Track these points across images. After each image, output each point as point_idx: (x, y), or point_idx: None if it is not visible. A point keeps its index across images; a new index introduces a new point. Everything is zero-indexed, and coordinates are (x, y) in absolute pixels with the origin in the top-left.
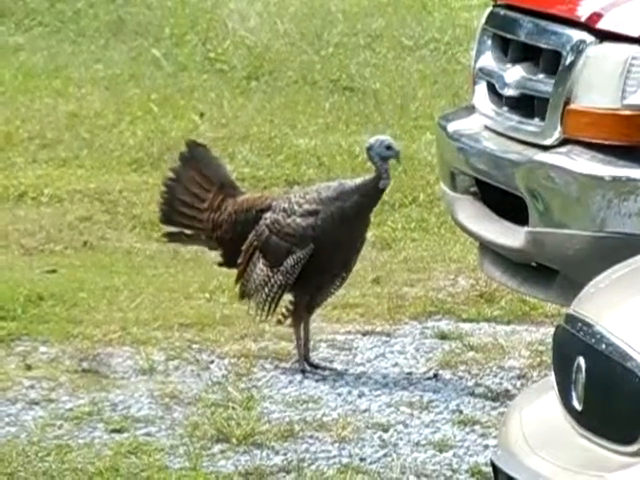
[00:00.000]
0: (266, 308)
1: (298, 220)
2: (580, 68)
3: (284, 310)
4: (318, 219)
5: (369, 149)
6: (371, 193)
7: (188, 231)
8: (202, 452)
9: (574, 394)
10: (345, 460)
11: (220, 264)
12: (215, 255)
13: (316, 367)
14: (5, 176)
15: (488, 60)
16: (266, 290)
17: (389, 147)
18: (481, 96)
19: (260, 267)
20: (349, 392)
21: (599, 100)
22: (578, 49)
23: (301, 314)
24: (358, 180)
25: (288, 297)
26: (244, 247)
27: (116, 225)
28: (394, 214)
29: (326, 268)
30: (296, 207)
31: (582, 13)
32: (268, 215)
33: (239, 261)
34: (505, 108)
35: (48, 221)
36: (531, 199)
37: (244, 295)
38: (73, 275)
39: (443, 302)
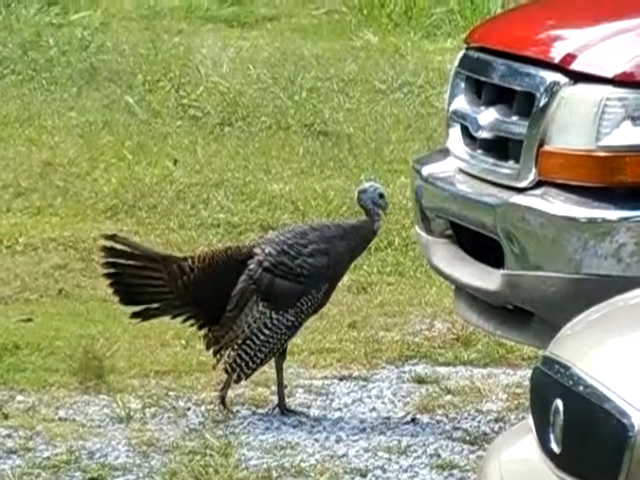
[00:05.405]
0: (267, 351)
1: (310, 260)
2: (554, 110)
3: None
4: (331, 259)
5: (362, 192)
6: (367, 234)
7: (155, 305)
8: None
9: (552, 437)
10: None
11: (200, 328)
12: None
13: (294, 412)
14: None
15: (462, 103)
16: (266, 332)
17: (382, 196)
18: (455, 139)
19: (260, 310)
20: (327, 437)
21: (573, 142)
22: (552, 91)
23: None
24: (351, 222)
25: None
26: (235, 296)
27: (91, 273)
28: (369, 258)
29: (322, 306)
30: (301, 248)
31: (556, 54)
32: (261, 259)
33: (229, 308)
34: (479, 151)
35: (23, 270)
36: (506, 241)
37: (218, 342)
38: (49, 323)
39: (420, 346)
